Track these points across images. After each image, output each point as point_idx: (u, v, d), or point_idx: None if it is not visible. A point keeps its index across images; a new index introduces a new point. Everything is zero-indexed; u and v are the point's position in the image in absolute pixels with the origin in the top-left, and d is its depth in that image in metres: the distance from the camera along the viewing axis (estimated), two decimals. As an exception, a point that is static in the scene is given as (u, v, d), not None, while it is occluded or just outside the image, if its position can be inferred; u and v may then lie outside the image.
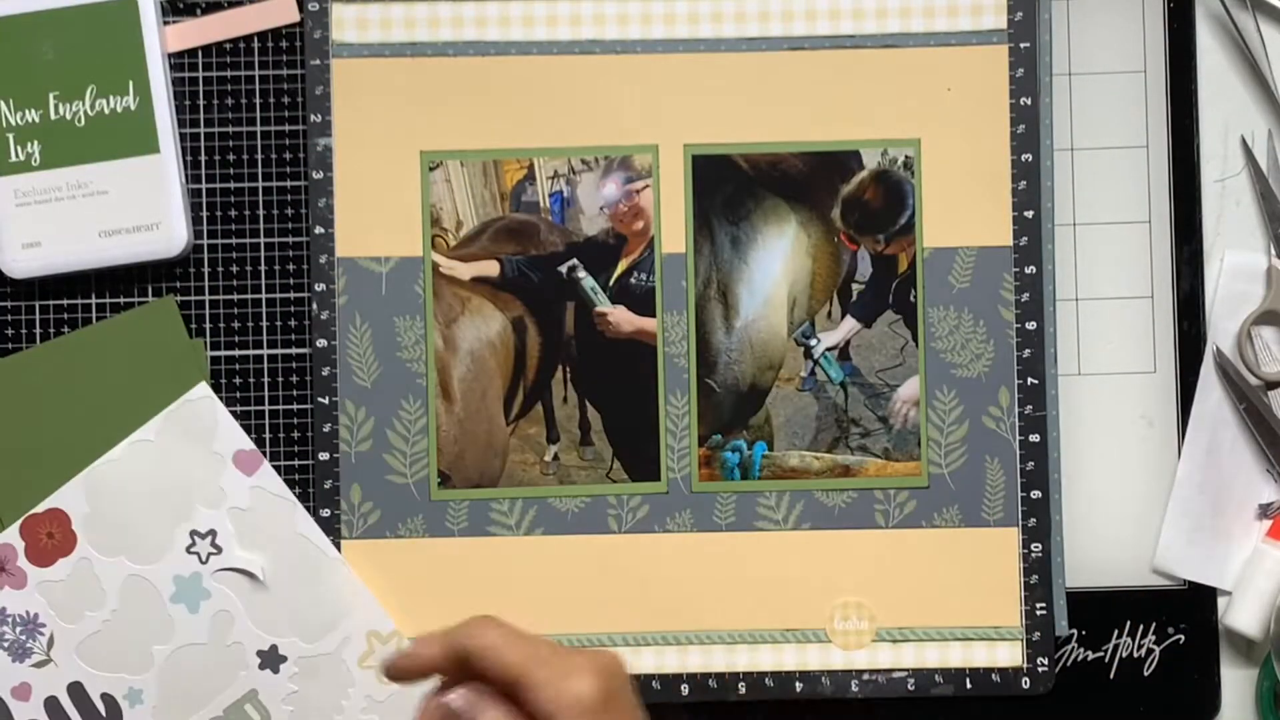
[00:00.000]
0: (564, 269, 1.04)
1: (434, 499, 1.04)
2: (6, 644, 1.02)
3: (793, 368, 1.04)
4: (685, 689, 1.04)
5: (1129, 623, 1.06)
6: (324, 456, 1.04)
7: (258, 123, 1.05)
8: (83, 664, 1.03)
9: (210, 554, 1.03)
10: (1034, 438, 1.04)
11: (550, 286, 1.04)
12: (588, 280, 1.04)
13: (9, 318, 1.05)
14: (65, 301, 1.05)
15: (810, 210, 1.04)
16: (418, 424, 1.04)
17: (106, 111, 1.03)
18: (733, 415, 1.04)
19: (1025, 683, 1.04)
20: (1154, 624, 1.06)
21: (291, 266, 1.05)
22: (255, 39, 1.05)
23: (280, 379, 1.05)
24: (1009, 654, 1.04)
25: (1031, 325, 1.04)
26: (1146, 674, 1.05)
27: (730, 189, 1.04)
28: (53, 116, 1.03)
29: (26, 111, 1.03)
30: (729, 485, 1.04)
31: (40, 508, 1.02)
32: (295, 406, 1.05)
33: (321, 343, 1.04)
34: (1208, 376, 1.04)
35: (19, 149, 1.03)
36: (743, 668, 1.04)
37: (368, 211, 1.04)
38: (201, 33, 1.05)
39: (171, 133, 1.03)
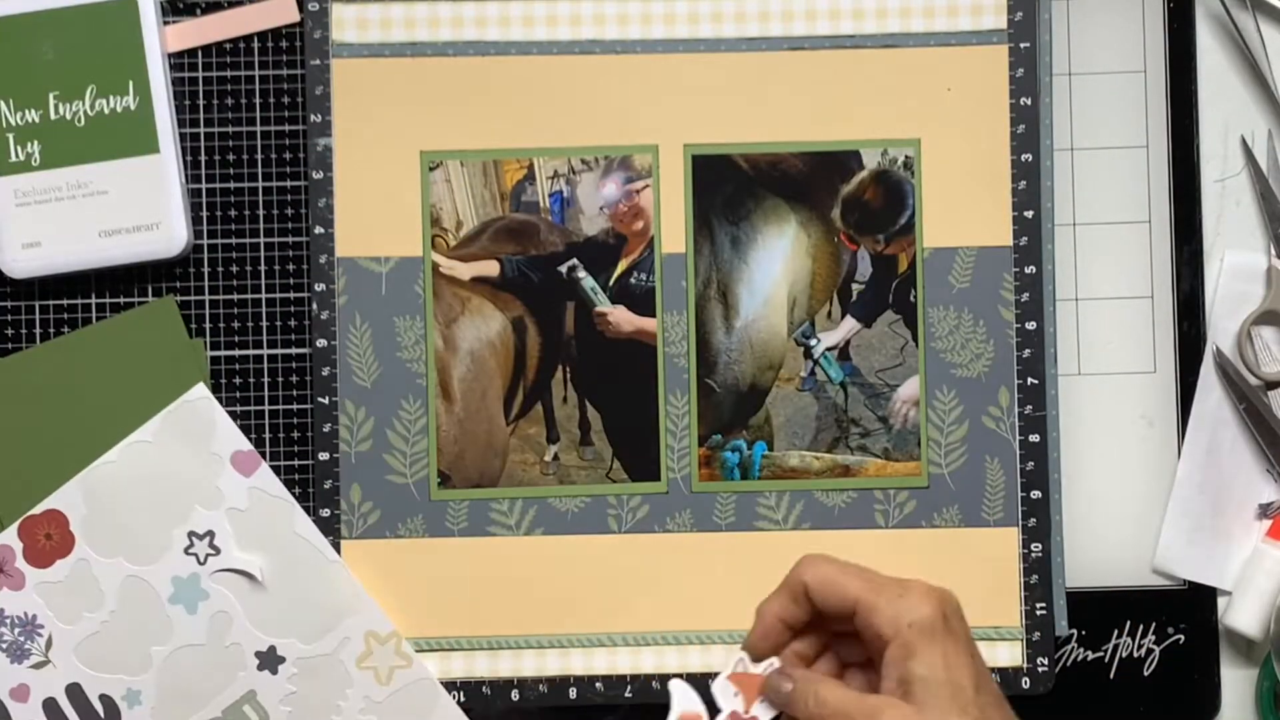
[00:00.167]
0: (564, 269, 1.04)
1: (434, 499, 1.04)
2: (5, 645, 1.02)
3: (793, 368, 1.04)
4: (685, 689, 1.04)
5: (1129, 623, 1.06)
6: (324, 456, 1.04)
7: (258, 123, 1.05)
8: (81, 665, 1.03)
9: (208, 555, 1.03)
10: (1034, 438, 1.04)
11: (550, 286, 1.04)
12: (588, 280, 1.04)
13: (9, 318, 1.05)
14: (65, 301, 1.05)
15: (810, 210, 1.04)
16: (418, 424, 1.04)
17: (106, 111, 1.03)
18: (733, 415, 1.04)
19: (1025, 683, 1.04)
20: (1154, 624, 1.06)
21: (291, 266, 1.05)
22: (255, 39, 1.05)
23: (280, 379, 1.05)
24: (1009, 654, 1.04)
25: (1031, 325, 1.04)
26: (1146, 674, 1.05)
27: (730, 189, 1.04)
28: (53, 116, 1.03)
29: (26, 111, 1.03)
30: (729, 485, 1.04)
31: (38, 509, 1.02)
32: (295, 406, 1.05)
33: (321, 343, 1.04)
34: (1208, 376, 1.04)
35: (19, 149, 1.03)
36: (743, 668, 1.04)
37: (368, 211, 1.04)
38: (201, 33, 1.05)
39: (171, 133, 1.03)
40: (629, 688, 1.04)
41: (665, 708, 0.95)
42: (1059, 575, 1.04)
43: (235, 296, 1.05)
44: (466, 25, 1.04)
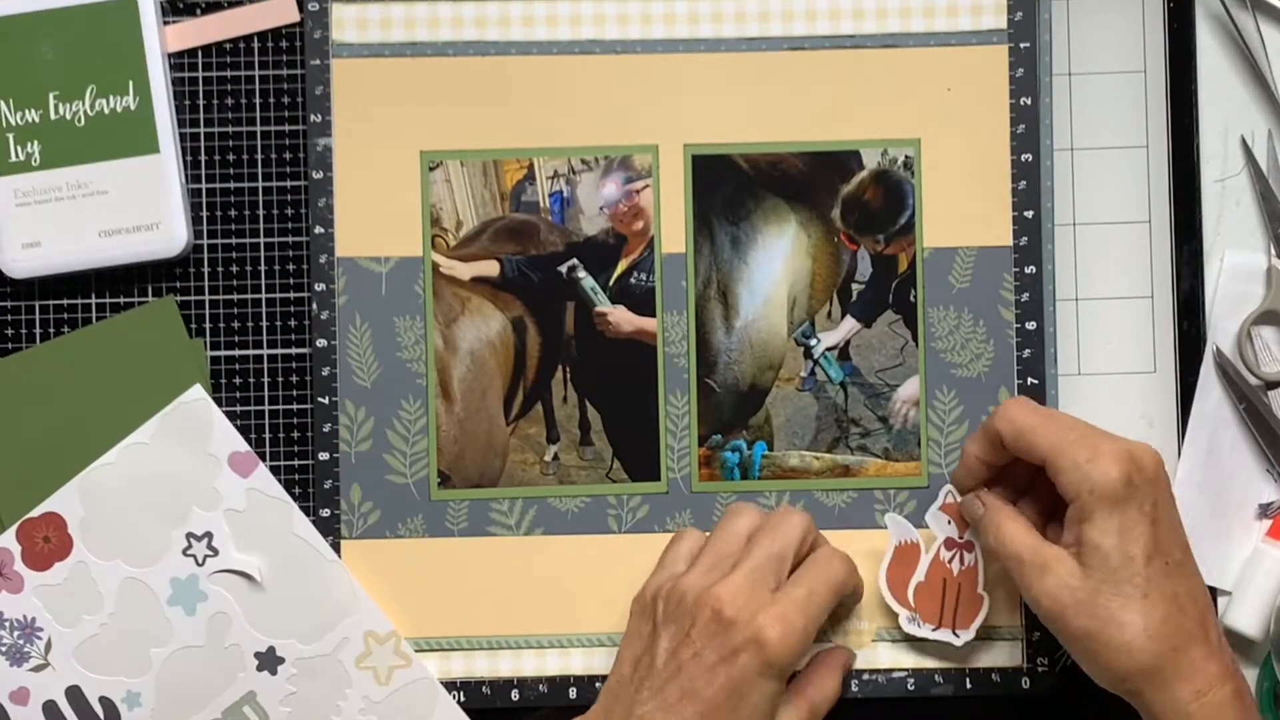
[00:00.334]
0: (564, 269, 1.04)
1: (434, 499, 1.04)
2: (4, 648, 1.02)
3: (793, 368, 1.04)
4: (685, 689, 1.04)
5: (1129, 623, 1.05)
6: (324, 456, 1.04)
7: (258, 123, 1.05)
8: (80, 668, 1.03)
9: (207, 556, 1.03)
10: (1034, 438, 1.04)
11: (550, 286, 1.04)
12: (588, 280, 1.04)
13: (9, 318, 1.05)
14: (65, 301, 1.05)
15: (810, 210, 1.04)
16: (418, 424, 1.04)
17: (106, 111, 1.03)
18: (733, 415, 1.04)
19: (1025, 683, 1.04)
20: (1154, 624, 1.05)
21: (291, 266, 1.05)
22: (255, 39, 1.05)
23: (280, 379, 1.05)
24: (1009, 654, 1.04)
25: (1031, 325, 1.04)
26: (1147, 674, 1.05)
27: (730, 189, 1.04)
28: (53, 116, 1.03)
29: (26, 111, 1.03)
30: (729, 485, 1.04)
31: (36, 512, 1.02)
32: (295, 406, 1.05)
33: (321, 343, 1.04)
34: (1208, 376, 1.04)
35: (19, 149, 1.03)
36: (743, 668, 1.04)
37: (368, 211, 1.04)
38: (201, 33, 1.05)
39: (171, 133, 1.03)
40: (629, 688, 1.04)
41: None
42: (1059, 575, 1.04)
43: (235, 296, 1.05)
44: (466, 25, 1.04)
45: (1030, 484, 0.98)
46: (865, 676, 1.04)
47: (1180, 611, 0.91)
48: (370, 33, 1.04)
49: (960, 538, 1.02)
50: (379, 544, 1.04)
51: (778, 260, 1.04)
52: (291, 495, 1.03)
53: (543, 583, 1.04)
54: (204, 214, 1.05)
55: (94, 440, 1.03)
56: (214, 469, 1.03)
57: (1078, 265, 1.06)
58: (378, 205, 1.04)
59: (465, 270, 1.04)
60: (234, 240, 1.05)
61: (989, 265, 1.04)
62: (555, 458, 1.04)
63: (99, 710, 1.03)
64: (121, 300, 1.05)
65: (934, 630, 1.02)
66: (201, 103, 1.05)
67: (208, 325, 1.05)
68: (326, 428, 1.04)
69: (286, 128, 1.05)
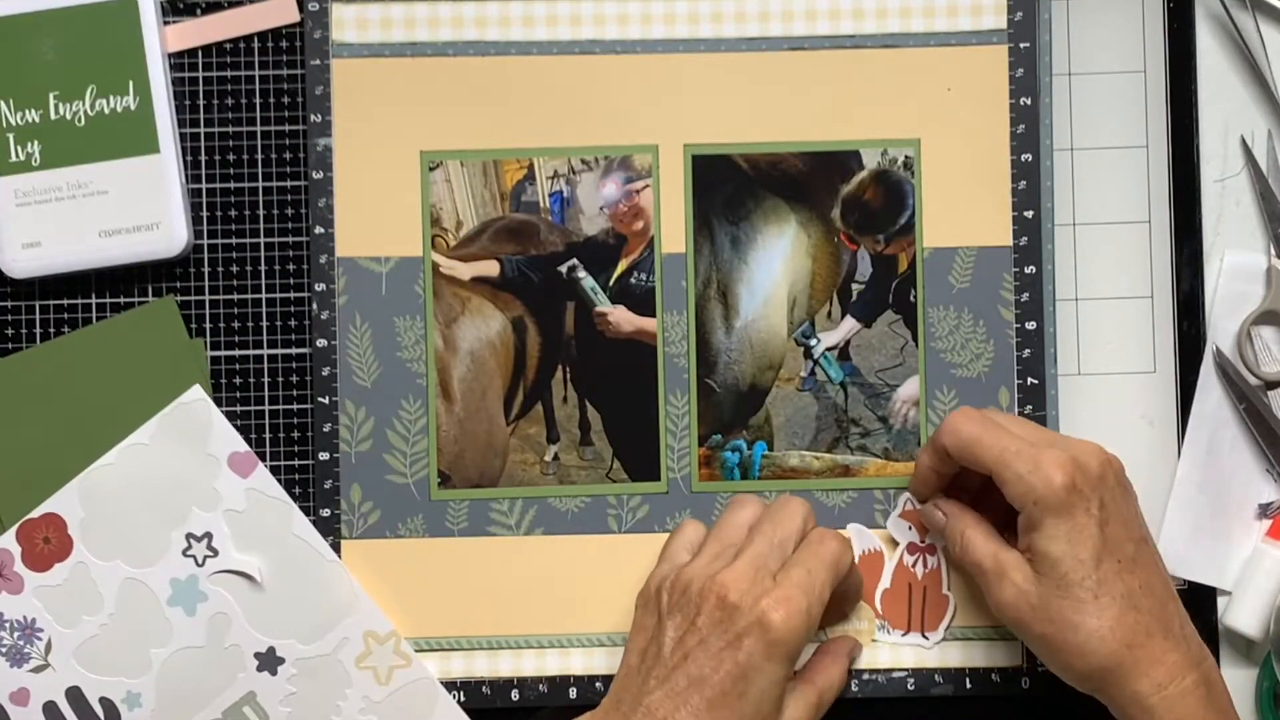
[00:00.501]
0: (564, 269, 1.04)
1: (434, 499, 1.04)
2: (4, 649, 1.02)
3: (793, 368, 1.04)
4: (685, 690, 1.04)
5: (1129, 623, 1.05)
6: (324, 456, 1.04)
7: (258, 123, 1.05)
8: (81, 668, 1.02)
9: (206, 557, 1.03)
10: (1034, 438, 1.04)
11: (550, 286, 1.04)
12: (588, 280, 1.04)
13: (9, 318, 1.05)
14: (65, 301, 1.05)
15: (810, 210, 1.04)
16: (418, 424, 1.04)
17: (106, 111, 1.03)
18: (733, 415, 1.04)
19: (1025, 682, 1.04)
20: (1154, 624, 1.05)
21: (291, 266, 1.05)
22: (255, 39, 1.05)
23: (280, 379, 1.05)
24: (1009, 654, 1.04)
25: (1031, 325, 1.04)
26: (1147, 674, 1.05)
27: (730, 189, 1.04)
28: (53, 116, 1.03)
29: (26, 111, 1.03)
30: (729, 485, 1.04)
31: (36, 512, 1.02)
32: (295, 406, 1.05)
33: (321, 343, 1.04)
34: (1208, 376, 1.04)
35: (19, 149, 1.03)
36: (743, 668, 1.04)
37: (368, 211, 1.04)
38: (201, 33, 1.05)
39: (171, 133, 1.03)
40: (629, 688, 1.04)
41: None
42: (1059, 575, 1.04)
43: (235, 296, 1.05)
44: (466, 25, 1.04)
45: (988, 485, 0.98)
46: (865, 676, 1.04)
47: (1134, 609, 0.92)
48: (370, 33, 1.04)
49: (922, 542, 1.03)
50: (379, 544, 1.04)
51: (778, 260, 1.04)
52: (291, 495, 1.03)
53: (543, 583, 1.04)
54: (204, 214, 1.05)
55: (94, 440, 1.03)
56: (214, 469, 1.03)
57: (1077, 265, 1.06)
58: (378, 205, 1.04)
59: (465, 270, 1.04)
60: (234, 240, 1.05)
61: (989, 265, 1.04)
62: (555, 458, 1.04)
63: (99, 711, 1.03)
64: (121, 300, 1.05)
65: (904, 635, 1.03)
66: (201, 103, 1.05)
67: (208, 325, 1.05)
68: (326, 428, 1.04)
69: (286, 128, 1.05)
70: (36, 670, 1.02)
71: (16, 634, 1.02)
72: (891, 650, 1.04)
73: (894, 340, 1.04)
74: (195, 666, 1.03)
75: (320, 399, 1.04)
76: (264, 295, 1.05)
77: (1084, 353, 1.06)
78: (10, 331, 1.05)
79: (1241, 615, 1.03)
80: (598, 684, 1.04)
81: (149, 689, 1.03)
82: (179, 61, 1.05)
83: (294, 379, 1.05)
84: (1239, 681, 1.05)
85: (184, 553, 1.03)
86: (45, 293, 1.05)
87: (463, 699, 1.04)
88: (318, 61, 1.04)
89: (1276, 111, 1.05)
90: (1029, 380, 1.04)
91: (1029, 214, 1.03)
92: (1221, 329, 1.04)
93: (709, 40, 1.04)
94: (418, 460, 1.04)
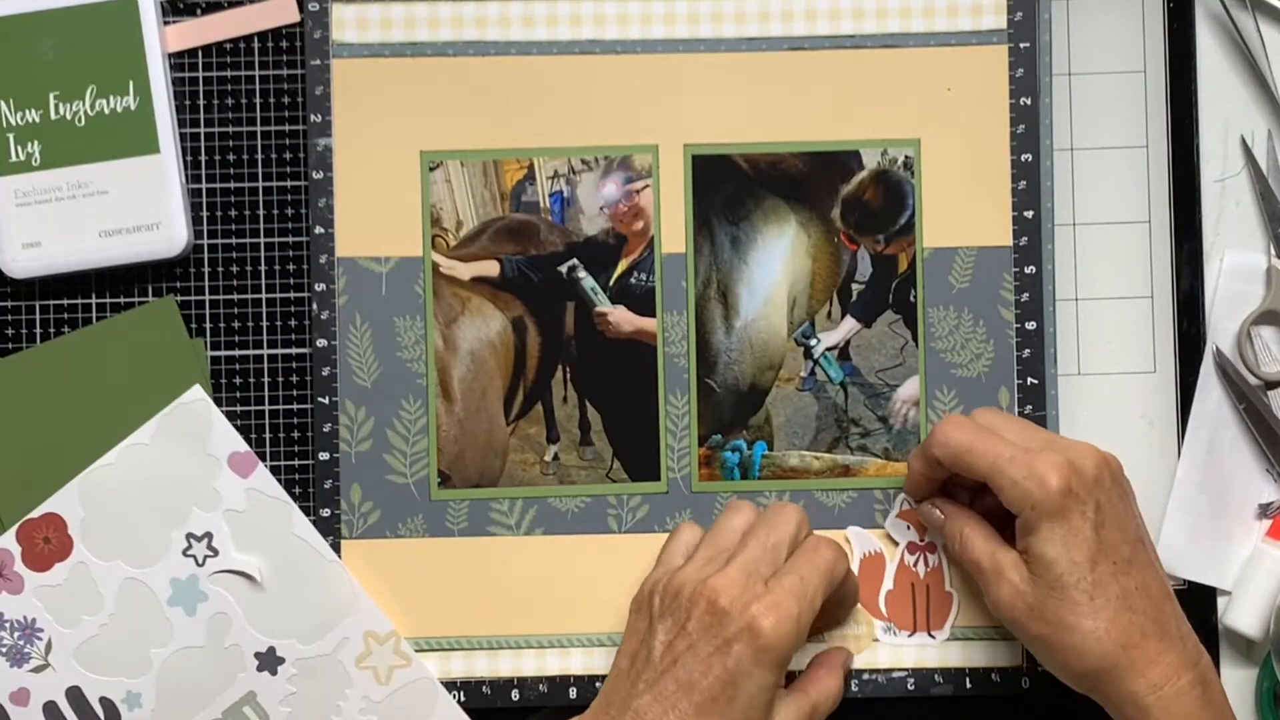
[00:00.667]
0: (564, 269, 1.04)
1: (434, 499, 1.04)
2: (4, 649, 1.02)
3: (793, 368, 1.04)
4: (685, 690, 1.04)
5: (1129, 623, 1.05)
6: (324, 456, 1.04)
7: (258, 123, 1.05)
8: (81, 668, 1.02)
9: (207, 556, 1.02)
10: (1034, 438, 1.04)
11: (550, 286, 1.04)
12: (588, 280, 1.04)
13: (9, 318, 1.05)
14: (65, 301, 1.05)
15: (810, 210, 1.04)
16: (418, 424, 1.04)
17: (106, 111, 1.03)
18: (733, 415, 1.04)
19: (1025, 682, 1.04)
20: (1154, 624, 1.05)
21: (291, 266, 1.05)
22: (255, 39, 1.05)
23: (280, 379, 1.05)
24: (1009, 654, 1.04)
25: (1031, 325, 1.04)
26: (1147, 674, 1.05)
27: (730, 189, 1.04)
28: (53, 116, 1.03)
29: (26, 111, 1.03)
30: (729, 485, 1.04)
31: (36, 512, 1.02)
32: (295, 406, 1.05)
33: (321, 343, 1.04)
34: (1208, 376, 1.04)
35: (19, 149, 1.03)
36: (743, 668, 1.04)
37: (368, 211, 1.04)
38: (201, 33, 1.05)
39: (171, 133, 1.03)
40: (629, 688, 1.04)
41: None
42: (1059, 575, 1.04)
43: (235, 296, 1.05)
44: (466, 25, 1.04)
45: (984, 484, 0.98)
46: (865, 676, 1.04)
47: (1129, 610, 0.92)
48: (370, 33, 1.04)
49: (921, 540, 1.03)
50: (379, 544, 1.04)
51: (778, 260, 1.04)
52: (291, 495, 1.03)
53: (543, 583, 1.04)
54: (204, 214, 1.05)
55: (94, 440, 1.03)
56: (214, 469, 1.03)
57: (1077, 265, 1.06)
58: (378, 205, 1.04)
59: (465, 270, 1.04)
60: (234, 240, 1.05)
61: (989, 265, 1.04)
62: (555, 458, 1.04)
63: (99, 711, 1.02)
64: (121, 300, 1.05)
65: (910, 635, 1.03)
66: (201, 103, 1.05)
67: (208, 325, 1.05)
68: (326, 428, 1.04)
69: (286, 128, 1.05)
70: (36, 670, 1.02)
71: (16, 634, 1.02)
72: (891, 650, 1.04)
73: (894, 340, 1.04)
74: (195, 666, 1.03)
75: (320, 399, 1.04)
76: (264, 295, 1.05)
77: (1084, 353, 1.06)
78: (10, 331, 1.05)
79: (1241, 615, 1.03)
80: (598, 684, 1.04)
81: (149, 689, 1.03)
82: (179, 61, 1.05)
83: (294, 379, 1.05)
84: (1239, 681, 1.05)
85: (184, 553, 1.03)
86: (45, 293, 1.05)
87: (463, 699, 1.04)
88: (318, 61, 1.04)
89: (1276, 111, 1.05)
90: (1029, 380, 1.04)
91: (1029, 214, 1.03)
92: (1221, 329, 1.04)
93: (709, 40, 1.04)
94: (418, 460, 1.04)
